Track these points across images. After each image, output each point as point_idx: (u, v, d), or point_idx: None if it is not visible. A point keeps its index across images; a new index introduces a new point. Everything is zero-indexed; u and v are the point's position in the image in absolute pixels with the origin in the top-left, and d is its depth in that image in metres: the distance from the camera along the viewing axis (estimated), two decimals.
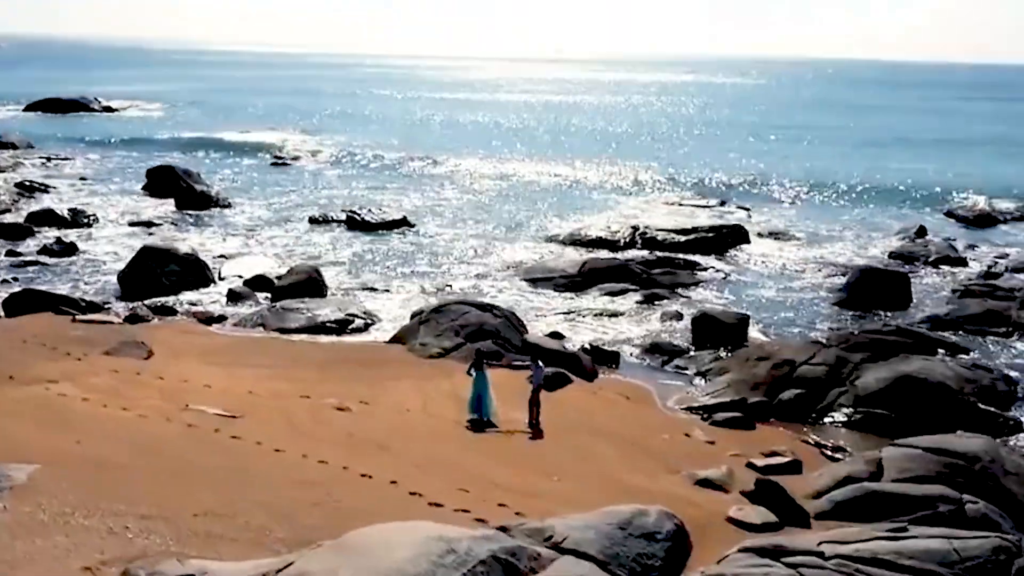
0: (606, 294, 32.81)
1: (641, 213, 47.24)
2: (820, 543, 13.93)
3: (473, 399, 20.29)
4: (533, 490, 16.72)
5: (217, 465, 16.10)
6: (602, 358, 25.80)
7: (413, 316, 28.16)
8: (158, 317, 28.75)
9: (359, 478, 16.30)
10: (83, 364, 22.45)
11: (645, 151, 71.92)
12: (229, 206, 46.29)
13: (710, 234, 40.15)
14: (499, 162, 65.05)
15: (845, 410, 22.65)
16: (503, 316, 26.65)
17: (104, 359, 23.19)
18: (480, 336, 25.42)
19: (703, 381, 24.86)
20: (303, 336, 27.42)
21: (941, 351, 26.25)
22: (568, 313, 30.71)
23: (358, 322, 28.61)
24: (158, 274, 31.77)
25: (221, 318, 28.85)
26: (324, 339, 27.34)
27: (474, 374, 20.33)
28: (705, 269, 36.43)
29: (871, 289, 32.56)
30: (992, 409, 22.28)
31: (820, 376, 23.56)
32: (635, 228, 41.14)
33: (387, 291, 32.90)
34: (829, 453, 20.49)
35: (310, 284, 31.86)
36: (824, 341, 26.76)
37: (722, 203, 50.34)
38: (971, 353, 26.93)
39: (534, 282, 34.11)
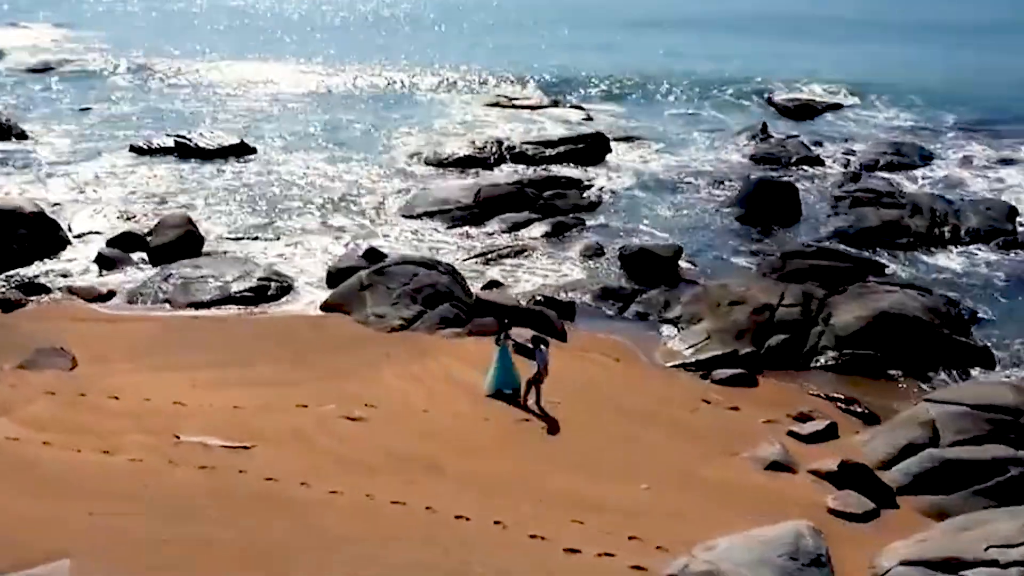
0: (510, 227, 31.29)
1: (488, 120, 45.58)
2: (986, 547, 13.72)
3: (499, 373, 18.95)
4: (635, 507, 15.69)
5: (290, 533, 13.69)
6: (558, 311, 24.48)
7: (334, 276, 25.68)
8: (29, 299, 24.52)
9: (464, 523, 14.52)
10: (1, 388, 18.66)
11: (452, 49, 68.41)
12: (25, 136, 40.02)
13: (579, 145, 39.20)
14: (304, 67, 59.65)
15: (831, 353, 22.77)
16: (448, 272, 24.74)
17: (23, 376, 19.47)
18: (437, 300, 23.67)
19: (674, 330, 24.11)
20: (218, 311, 24.33)
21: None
22: (483, 255, 28.86)
23: (273, 287, 25.62)
24: (5, 240, 27.04)
25: (110, 294, 25.06)
26: (245, 312, 24.34)
27: (499, 347, 19.00)
28: (589, 187, 35.48)
29: (764, 201, 32.83)
30: (964, 339, 22.97)
31: (797, 318, 23.45)
32: (499, 143, 39.36)
33: (276, 239, 30.02)
34: (853, 408, 20.36)
35: (189, 240, 28.42)
36: (757, 269, 27.92)
37: (555, 103, 49.11)
38: (902, 274, 27.63)
39: (422, 217, 31.89)
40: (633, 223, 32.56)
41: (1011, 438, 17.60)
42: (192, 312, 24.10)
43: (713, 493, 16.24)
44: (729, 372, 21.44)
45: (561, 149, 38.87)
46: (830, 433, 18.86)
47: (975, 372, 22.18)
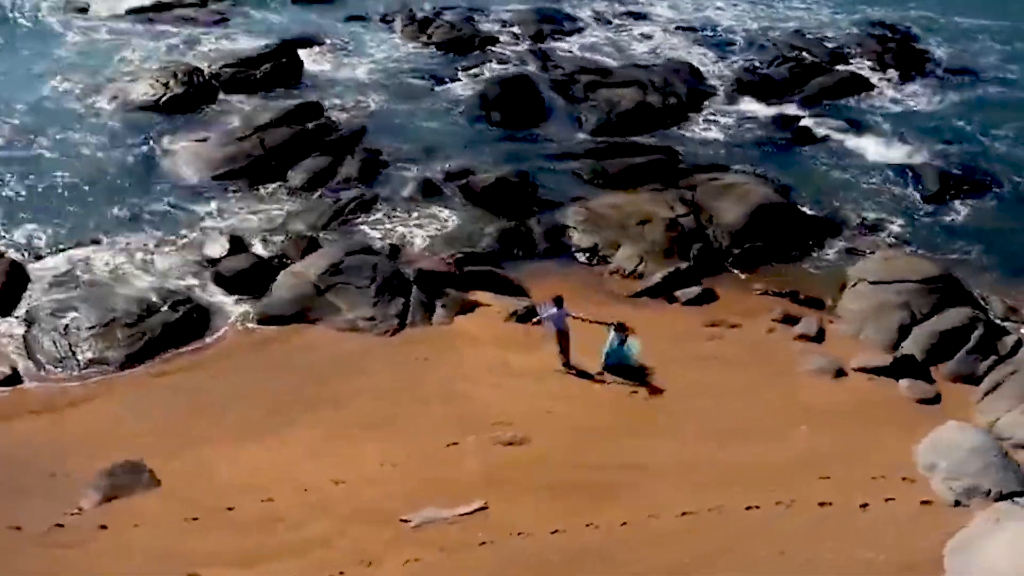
0: (308, 175, 30.35)
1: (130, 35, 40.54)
2: None
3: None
4: (827, 449, 19.23)
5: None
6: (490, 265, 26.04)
7: (235, 279, 24.71)
8: None
9: (755, 512, 17.19)
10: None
11: None
12: None
13: (276, 61, 37.73)
14: None
15: (735, 251, 27.26)
16: (385, 252, 25.20)
17: (112, 512, 17.58)
18: (404, 286, 24.16)
19: (594, 260, 26.92)
20: (164, 360, 22.68)
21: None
22: (332, 219, 28.43)
23: (183, 310, 24.07)
24: None
25: (14, 374, 21.96)
26: (194, 351, 22.98)
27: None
28: (328, 110, 35.05)
29: (512, 100, 35.38)
30: (814, 214, 28.91)
31: (695, 225, 27.59)
32: (197, 72, 36.30)
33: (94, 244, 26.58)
34: (801, 298, 25.22)
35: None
36: (590, 178, 30.54)
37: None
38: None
39: (214, 180, 29.72)
40: (407, 145, 32.53)
41: (956, 300, 23.49)
42: (142, 369, 21.74)
43: (833, 416, 20.11)
44: (692, 292, 24.79)
45: (262, 69, 37.00)
46: (822, 333, 23.44)
47: (840, 243, 27.53)
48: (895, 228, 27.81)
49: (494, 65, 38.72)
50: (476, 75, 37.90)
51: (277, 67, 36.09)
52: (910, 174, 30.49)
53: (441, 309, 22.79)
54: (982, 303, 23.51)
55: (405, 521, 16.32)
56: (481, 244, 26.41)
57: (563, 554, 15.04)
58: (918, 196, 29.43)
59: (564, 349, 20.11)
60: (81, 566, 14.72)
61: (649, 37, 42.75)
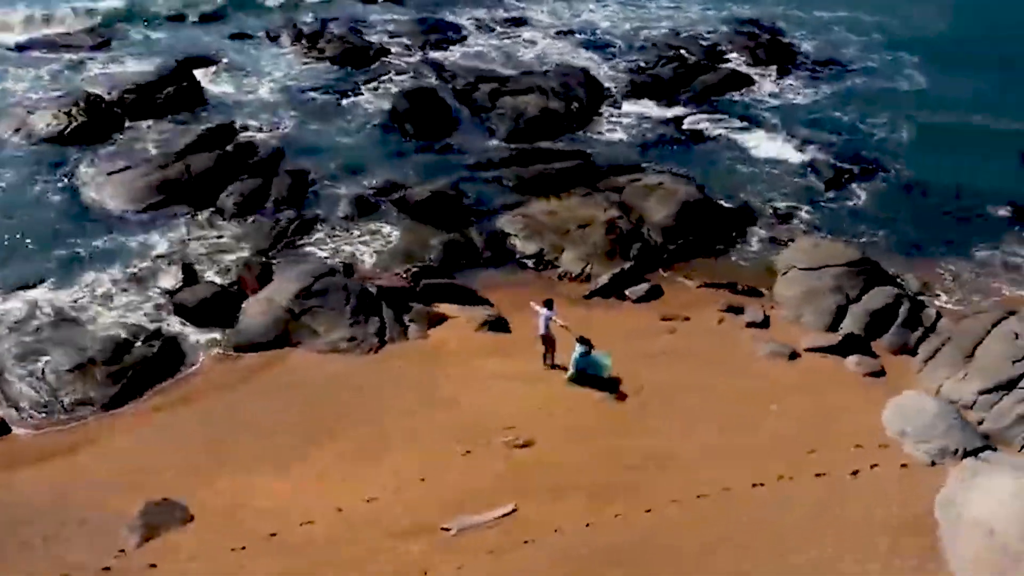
0: (239, 199, 30.69)
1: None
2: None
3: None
4: (796, 428, 21.64)
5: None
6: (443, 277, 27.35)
7: (198, 309, 25.37)
8: None
9: (760, 489, 19.35)
10: None
11: None
12: None
13: (173, 86, 37.75)
14: None
15: (669, 247, 29.28)
16: (340, 272, 26.19)
17: (158, 551, 18.34)
18: (375, 305, 25.35)
19: (541, 266, 28.59)
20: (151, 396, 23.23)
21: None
22: (274, 243, 29.04)
23: (158, 345, 24.63)
24: None
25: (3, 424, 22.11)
26: (176, 384, 23.58)
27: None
28: (241, 130, 35.61)
29: (422, 111, 36.83)
30: (730, 206, 31.34)
31: (630, 225, 29.58)
32: (96, 99, 36.05)
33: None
34: (739, 288, 27.54)
35: None
36: (513, 185, 31.75)
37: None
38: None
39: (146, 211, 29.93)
40: (329, 162, 33.13)
41: (878, 280, 26.25)
42: (133, 407, 22.25)
43: (797, 394, 22.42)
44: (641, 290, 26.78)
45: (165, 93, 37.12)
46: (767, 320, 25.85)
47: (760, 233, 30.03)
48: (804, 216, 30.21)
49: (394, 77, 39.68)
50: (377, 88, 38.87)
51: (179, 90, 35.89)
52: (806, 164, 33.14)
53: (412, 324, 23.73)
54: (899, 281, 26.04)
55: (446, 530, 17.40)
56: (429, 257, 27.22)
57: (605, 544, 16.52)
58: (818, 185, 31.99)
59: (549, 351, 21.37)
60: None
61: (534, 43, 44.43)
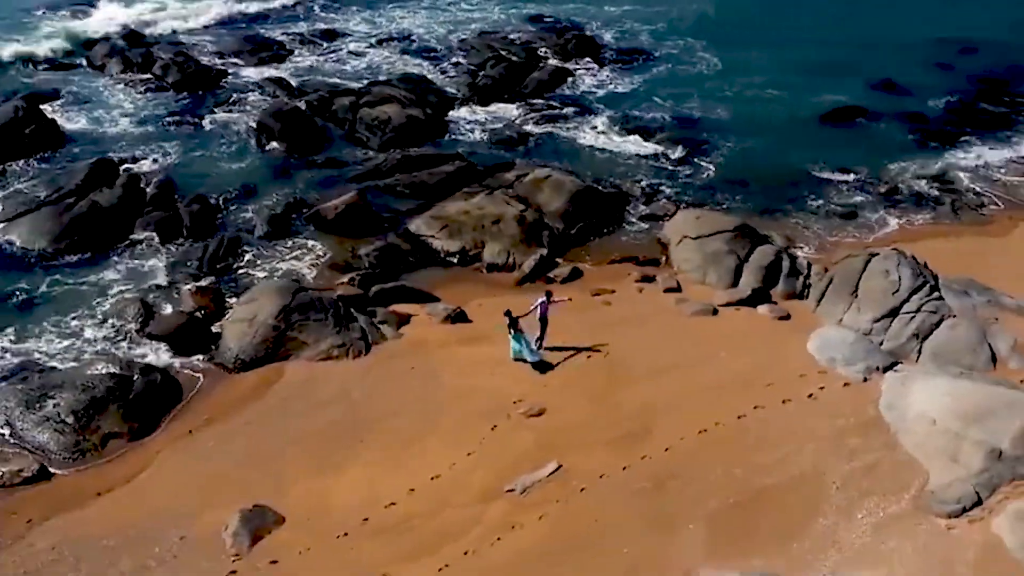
0: (154, 229, 32.34)
1: None
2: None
3: (524, 345, 25.52)
4: (747, 366, 26.76)
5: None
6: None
7: (185, 330, 27.47)
8: None
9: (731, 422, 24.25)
10: None
11: None
12: None
13: (30, 128, 38.19)
14: None
15: (570, 232, 33.80)
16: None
17: (266, 548, 21.02)
18: (347, 314, 28.40)
19: (466, 261, 32.35)
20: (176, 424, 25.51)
21: None
22: (209, 269, 31.06)
23: (158, 376, 26.73)
24: None
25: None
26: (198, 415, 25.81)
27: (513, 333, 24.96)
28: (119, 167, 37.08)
29: (298, 129, 39.58)
30: (610, 191, 36.29)
31: (536, 217, 33.90)
32: None
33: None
34: (641, 260, 32.46)
35: None
36: (409, 192, 34.81)
37: None
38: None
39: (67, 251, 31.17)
40: (224, 187, 34.90)
41: (757, 241, 31.82)
42: (162, 435, 24.31)
43: (733, 341, 27.37)
44: (564, 272, 31.05)
45: (27, 132, 37.66)
46: (679, 284, 30.80)
47: (639, 211, 35.04)
48: (668, 192, 35.14)
49: (244, 96, 41.60)
50: (232, 111, 40.67)
51: (38, 129, 36.42)
52: (652, 147, 38.04)
53: (384, 326, 26.71)
54: (769, 239, 31.50)
55: (511, 491, 20.94)
56: (364, 265, 30.04)
57: (648, 476, 20.57)
58: (668, 164, 37.08)
59: (543, 334, 25.14)
60: None
61: (361, 54, 47.16)
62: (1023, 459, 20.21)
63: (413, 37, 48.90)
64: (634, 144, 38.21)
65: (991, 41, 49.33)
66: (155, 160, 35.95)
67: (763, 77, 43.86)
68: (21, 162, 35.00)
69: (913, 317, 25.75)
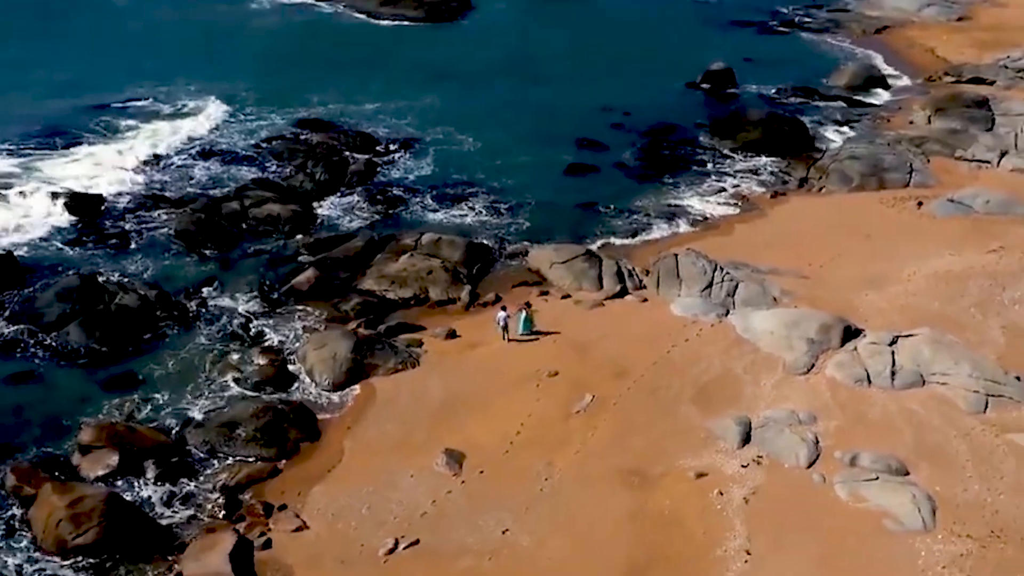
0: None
1: None
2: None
3: (527, 324, 43.00)
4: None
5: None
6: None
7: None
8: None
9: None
10: None
11: None
12: None
13: None
14: None
15: (474, 271, 51.20)
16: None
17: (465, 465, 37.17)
18: (391, 344, 44.08)
19: (422, 302, 48.78)
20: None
21: None
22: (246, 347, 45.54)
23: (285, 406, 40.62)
24: None
25: None
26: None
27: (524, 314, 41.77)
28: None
29: (207, 229, 53.01)
30: (480, 241, 53.78)
31: (450, 265, 50.84)
32: None
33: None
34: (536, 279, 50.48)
35: None
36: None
37: None
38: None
39: None
40: (181, 283, 46.60)
41: (596, 257, 50.94)
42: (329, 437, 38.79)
43: (626, 318, 46.10)
44: (491, 296, 48.11)
45: None
46: (568, 294, 48.93)
47: (507, 250, 52.57)
48: (511, 238, 52.58)
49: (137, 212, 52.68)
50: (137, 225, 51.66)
51: None
52: (478, 208, 55.79)
53: (410, 347, 42.08)
54: (595, 252, 50.02)
55: (578, 412, 37.86)
56: (352, 315, 44.80)
57: (645, 391, 37.97)
58: (496, 218, 54.64)
59: (507, 333, 40.91)
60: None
61: (189, 166, 60.12)
62: (824, 341, 39.61)
63: (223, 146, 61.89)
64: (464, 209, 54.59)
65: (640, 105, 70.90)
66: (133, 277, 46.41)
67: (506, 147, 61.85)
68: None
69: (722, 286, 44.97)
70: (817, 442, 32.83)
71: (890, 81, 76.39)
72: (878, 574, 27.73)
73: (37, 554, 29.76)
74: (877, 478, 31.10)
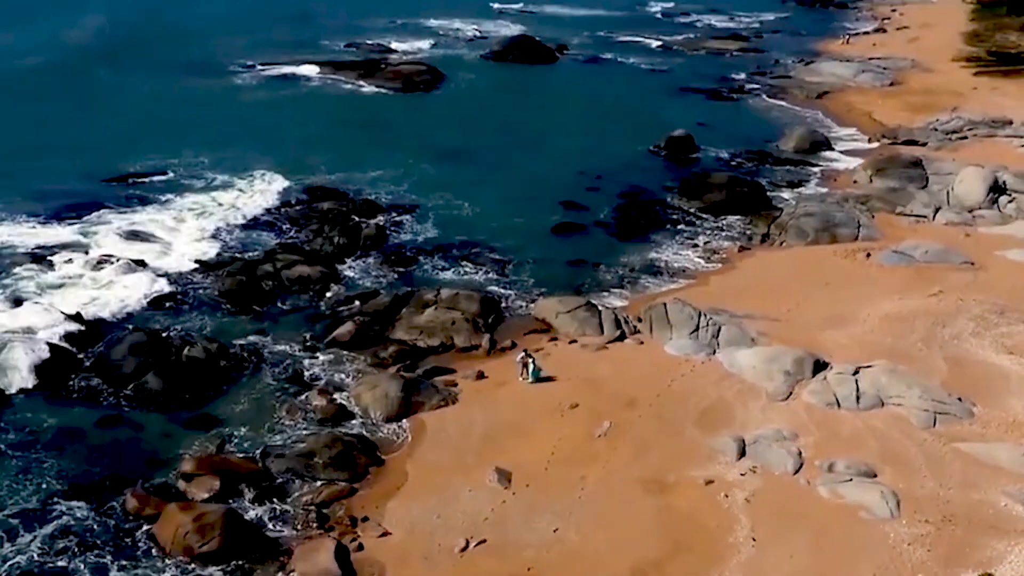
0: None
1: None
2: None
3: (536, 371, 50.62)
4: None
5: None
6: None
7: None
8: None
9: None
10: None
11: None
12: None
13: None
14: None
15: (487, 323, 59.41)
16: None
17: (517, 481, 45.44)
18: (431, 384, 52.14)
19: (448, 348, 56.93)
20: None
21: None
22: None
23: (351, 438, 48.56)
24: None
25: None
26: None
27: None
28: None
29: (248, 291, 61.21)
30: (490, 295, 62.19)
31: (462, 318, 59.04)
32: None
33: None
34: (542, 329, 58.82)
35: None
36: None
37: None
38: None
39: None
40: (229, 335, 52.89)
41: (592, 305, 59.41)
42: (398, 454, 46.62)
43: (632, 358, 54.39)
44: (508, 342, 56.38)
45: None
46: (575, 340, 57.24)
47: (508, 306, 60.76)
48: (514, 293, 60.84)
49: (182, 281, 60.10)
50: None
51: None
52: (483, 268, 63.78)
53: (446, 387, 50.05)
54: (591, 301, 58.49)
55: (599, 436, 46.09)
56: (391, 360, 52.59)
57: (655, 418, 46.27)
58: (500, 275, 62.88)
59: (523, 372, 49.00)
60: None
61: (225, 231, 67.81)
62: (798, 372, 47.93)
63: (245, 213, 69.41)
64: (471, 267, 62.57)
65: (610, 170, 79.39)
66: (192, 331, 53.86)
67: (499, 210, 69.67)
68: None
69: (707, 329, 53.43)
70: (800, 454, 40.80)
71: (833, 144, 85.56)
72: (857, 552, 35.63)
73: (168, 560, 36.01)
74: (851, 480, 39.10)
